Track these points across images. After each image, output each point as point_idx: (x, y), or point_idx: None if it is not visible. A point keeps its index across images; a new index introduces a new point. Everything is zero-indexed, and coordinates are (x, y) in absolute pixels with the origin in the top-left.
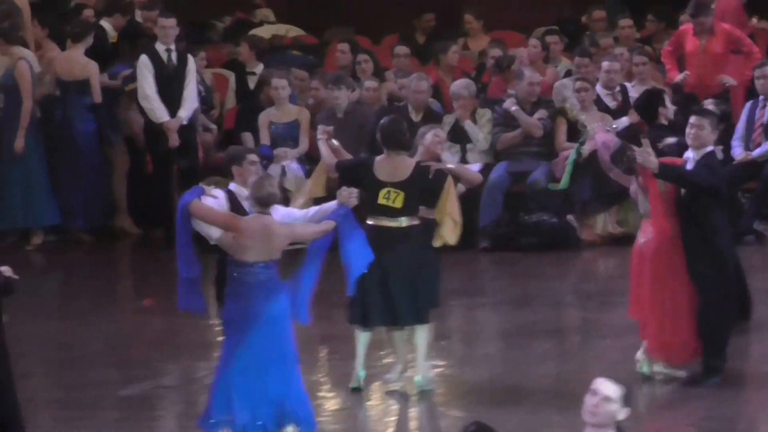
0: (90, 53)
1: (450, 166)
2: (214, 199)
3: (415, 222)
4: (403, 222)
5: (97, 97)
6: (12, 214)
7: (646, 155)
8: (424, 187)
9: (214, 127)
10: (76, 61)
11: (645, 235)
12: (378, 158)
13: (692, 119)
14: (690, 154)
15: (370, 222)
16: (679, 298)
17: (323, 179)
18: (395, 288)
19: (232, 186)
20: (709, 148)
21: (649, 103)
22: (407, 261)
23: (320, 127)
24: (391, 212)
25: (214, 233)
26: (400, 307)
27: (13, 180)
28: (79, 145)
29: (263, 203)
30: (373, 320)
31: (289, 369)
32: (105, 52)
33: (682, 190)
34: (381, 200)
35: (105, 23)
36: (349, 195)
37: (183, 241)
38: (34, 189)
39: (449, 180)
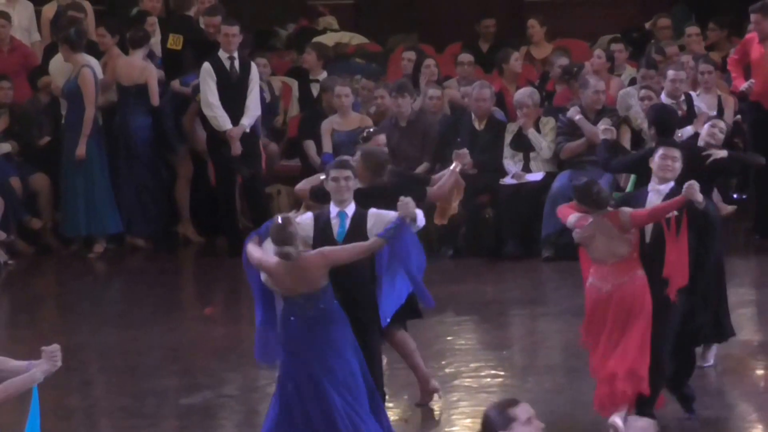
0: (185, 51)
1: None
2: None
3: None
4: None
5: (155, 100)
6: (75, 221)
7: (694, 189)
8: None
9: (272, 144)
10: (135, 66)
11: (609, 281)
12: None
13: (663, 150)
14: (659, 187)
15: None
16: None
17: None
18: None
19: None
20: (672, 183)
21: (666, 118)
22: None
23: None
24: None
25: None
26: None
27: (76, 188)
28: (137, 150)
29: (281, 244)
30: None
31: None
32: (204, 50)
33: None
34: None
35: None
36: (407, 204)
37: (253, 288)
38: (97, 197)
39: None
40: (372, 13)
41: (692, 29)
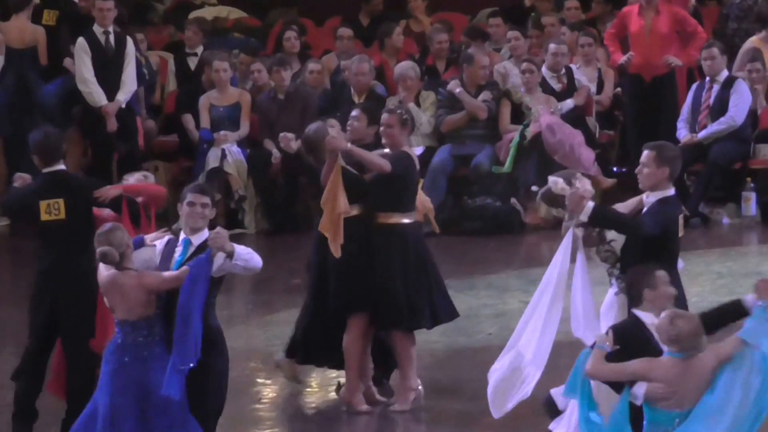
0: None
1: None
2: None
3: None
4: None
5: (44, 59)
6: None
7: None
8: None
9: (149, 120)
10: (27, 29)
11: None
12: (411, 149)
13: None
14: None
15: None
16: None
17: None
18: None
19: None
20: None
21: None
22: None
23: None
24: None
25: None
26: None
27: None
28: (45, 109)
29: (102, 262)
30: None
31: None
32: (80, 25)
33: None
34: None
35: None
36: (217, 235)
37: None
38: None
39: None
40: None
41: (571, 2)
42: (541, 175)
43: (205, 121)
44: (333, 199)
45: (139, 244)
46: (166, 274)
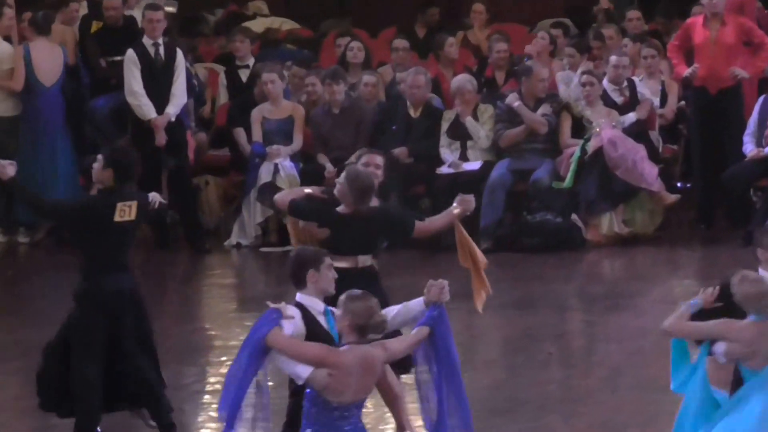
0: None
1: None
2: (290, 320)
3: None
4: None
5: (72, 58)
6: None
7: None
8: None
9: (200, 133)
10: (54, 32)
11: None
12: None
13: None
14: None
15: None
16: None
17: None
18: None
19: (300, 297)
20: None
21: None
22: None
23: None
24: None
25: (301, 371)
26: None
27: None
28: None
29: (368, 333)
30: None
31: None
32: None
33: None
34: None
35: (134, 12)
36: (441, 289)
37: (241, 384)
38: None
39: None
40: None
41: (633, 13)
42: (603, 191)
43: (258, 135)
44: (473, 255)
45: (277, 317)
46: (407, 338)
